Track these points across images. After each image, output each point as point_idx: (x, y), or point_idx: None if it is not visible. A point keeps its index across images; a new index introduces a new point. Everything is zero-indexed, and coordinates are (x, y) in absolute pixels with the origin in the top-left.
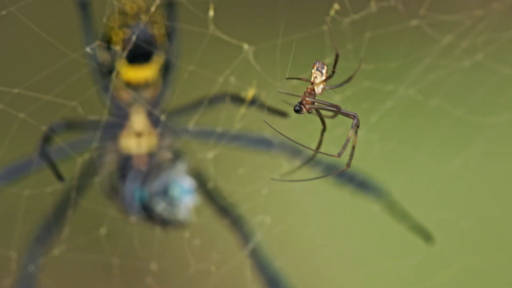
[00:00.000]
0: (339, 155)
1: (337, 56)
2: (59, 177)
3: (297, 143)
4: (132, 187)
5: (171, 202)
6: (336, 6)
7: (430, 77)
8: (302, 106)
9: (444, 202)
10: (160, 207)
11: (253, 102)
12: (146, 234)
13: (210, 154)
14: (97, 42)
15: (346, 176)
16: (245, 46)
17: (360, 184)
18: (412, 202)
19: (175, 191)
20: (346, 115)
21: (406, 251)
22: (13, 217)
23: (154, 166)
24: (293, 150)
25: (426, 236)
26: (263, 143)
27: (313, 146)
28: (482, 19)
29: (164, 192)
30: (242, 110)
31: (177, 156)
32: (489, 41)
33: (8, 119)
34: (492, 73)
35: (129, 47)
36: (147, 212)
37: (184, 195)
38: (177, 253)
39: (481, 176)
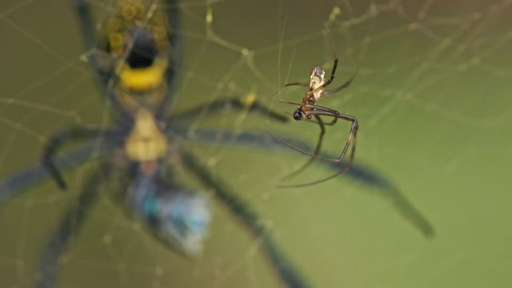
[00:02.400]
0: (340, 159)
1: (336, 61)
2: (62, 185)
3: (297, 149)
4: (144, 195)
5: (181, 231)
6: (336, 11)
7: (428, 81)
8: (302, 113)
9: (441, 202)
10: (170, 231)
11: (253, 107)
12: (150, 239)
13: (212, 161)
14: (93, 50)
15: (352, 172)
16: (245, 52)
17: (366, 178)
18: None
19: (189, 222)
20: (345, 118)
21: (405, 248)
22: (17, 227)
23: (171, 182)
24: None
25: (426, 229)
26: (265, 144)
27: (313, 148)
28: (479, 22)
29: (178, 219)
30: (243, 115)
31: (196, 189)
32: (486, 45)
33: (4, 130)
34: (488, 76)
35: (127, 52)
36: (154, 225)
37: (196, 228)
38: (181, 258)
39: (476, 178)
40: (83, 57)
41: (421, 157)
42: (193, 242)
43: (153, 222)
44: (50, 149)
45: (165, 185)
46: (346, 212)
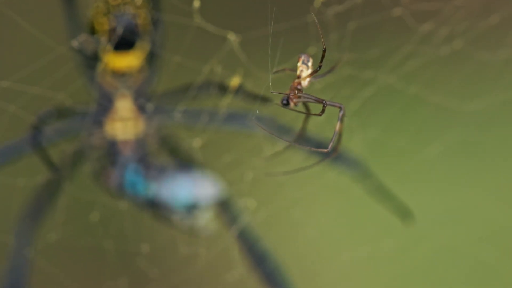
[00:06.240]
0: (329, 148)
1: (324, 51)
2: (49, 164)
3: (283, 138)
4: (132, 178)
5: (190, 212)
6: None
7: (410, 64)
8: (290, 100)
9: (422, 186)
10: (177, 214)
11: (238, 91)
12: (136, 218)
13: (197, 142)
14: (83, 36)
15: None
16: (230, 36)
17: (344, 162)
18: (391, 186)
19: (199, 203)
20: (333, 106)
21: (386, 233)
22: (8, 205)
23: (159, 165)
24: (280, 129)
25: (404, 215)
26: (249, 125)
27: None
28: (462, 8)
29: (186, 203)
30: (228, 98)
31: (192, 165)
32: (469, 29)
33: None
34: (470, 60)
35: (113, 36)
36: (155, 209)
37: (205, 206)
38: (167, 236)
39: (458, 162)
40: (75, 43)
41: (403, 140)
42: (204, 219)
43: (154, 206)
44: (36, 128)
45: (156, 166)
46: (328, 195)
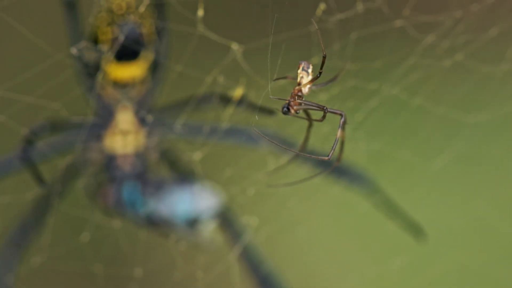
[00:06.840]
0: (329, 156)
1: (324, 57)
2: (41, 181)
3: (284, 147)
4: (130, 196)
5: (191, 225)
6: (322, 7)
7: (413, 76)
8: (290, 108)
9: (429, 200)
10: (178, 228)
11: (241, 101)
12: (130, 239)
13: (197, 155)
14: (83, 43)
15: (336, 170)
16: (234, 46)
17: (352, 177)
18: (398, 200)
19: (199, 215)
20: (334, 113)
21: (394, 251)
22: None
23: (157, 180)
24: (282, 143)
25: (417, 232)
26: (252, 139)
27: (301, 143)
28: (462, 20)
29: (187, 216)
30: (230, 109)
31: (190, 178)
32: (469, 42)
33: None
34: (472, 72)
35: (116, 46)
36: (155, 225)
37: (207, 218)
38: (162, 258)
39: (464, 175)
40: (74, 50)
41: (408, 152)
42: (207, 232)
43: (154, 223)
44: (28, 143)
45: (153, 182)
46: (334, 211)
